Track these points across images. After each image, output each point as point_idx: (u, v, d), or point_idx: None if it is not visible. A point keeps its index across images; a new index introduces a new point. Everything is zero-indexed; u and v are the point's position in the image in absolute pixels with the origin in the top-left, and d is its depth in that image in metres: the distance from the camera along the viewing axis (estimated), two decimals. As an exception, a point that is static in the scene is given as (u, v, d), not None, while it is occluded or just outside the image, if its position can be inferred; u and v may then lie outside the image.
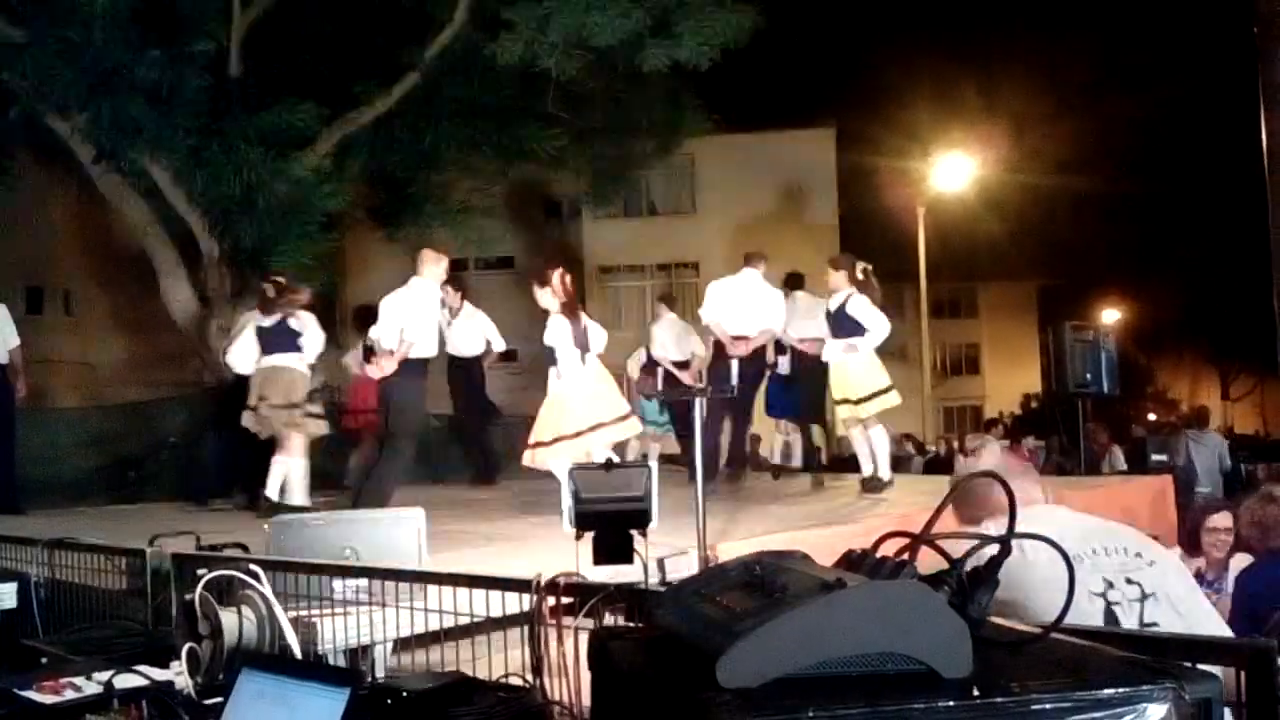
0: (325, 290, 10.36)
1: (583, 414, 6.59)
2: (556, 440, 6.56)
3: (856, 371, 7.43)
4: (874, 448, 7.64)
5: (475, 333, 9.19)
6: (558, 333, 6.66)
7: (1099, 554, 2.26)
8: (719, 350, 8.24)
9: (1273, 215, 6.51)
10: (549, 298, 6.74)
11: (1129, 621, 2.16)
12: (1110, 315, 35.17)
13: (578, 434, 6.54)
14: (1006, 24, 43.15)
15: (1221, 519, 4.94)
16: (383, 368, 6.92)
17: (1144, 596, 2.27)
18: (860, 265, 7.60)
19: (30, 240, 21.25)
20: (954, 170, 23.17)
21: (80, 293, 23.58)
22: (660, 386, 9.69)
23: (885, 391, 7.45)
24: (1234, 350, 42.26)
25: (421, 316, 7.07)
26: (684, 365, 9.61)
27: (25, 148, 12.52)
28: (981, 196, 26.30)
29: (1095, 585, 2.21)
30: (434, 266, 7.23)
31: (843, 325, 7.46)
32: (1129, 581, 2.28)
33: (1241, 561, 4.77)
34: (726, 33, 10.80)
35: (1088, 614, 2.12)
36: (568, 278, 6.88)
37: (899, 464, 17.72)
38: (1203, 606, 2.35)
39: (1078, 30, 48.54)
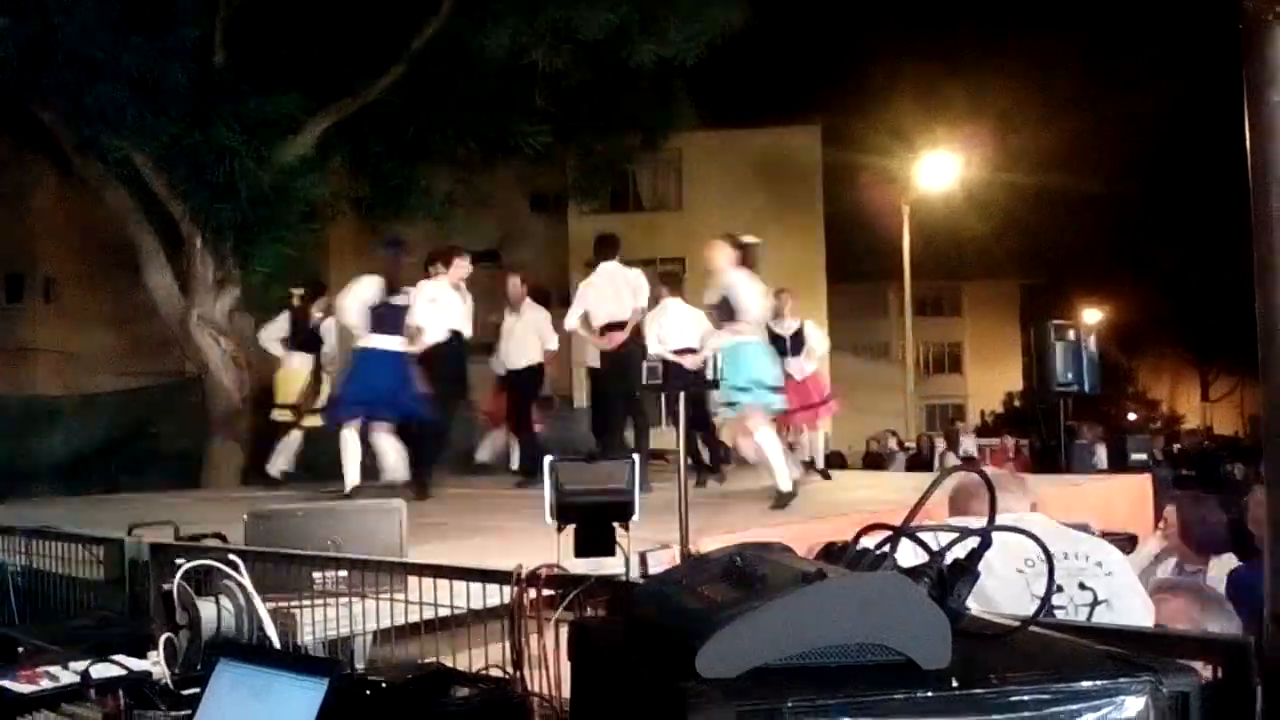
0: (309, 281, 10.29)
1: None
2: None
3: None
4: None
5: None
6: None
7: (1056, 558, 2.33)
8: None
9: (1254, 217, 6.53)
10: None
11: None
12: (1092, 315, 35.25)
13: None
14: (993, 23, 43.33)
15: (1169, 511, 5.06)
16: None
17: (1096, 602, 2.39)
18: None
19: (11, 228, 21.13)
20: (939, 169, 23.25)
21: (61, 281, 23.42)
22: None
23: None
24: (1214, 352, 42.64)
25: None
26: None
27: (6, 135, 12.42)
28: (966, 195, 26.42)
29: (1039, 588, 2.26)
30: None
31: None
32: (1082, 587, 2.39)
33: (1230, 563, 4.80)
34: (713, 28, 10.81)
35: (1023, 611, 2.17)
36: None
37: (882, 461, 17.77)
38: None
39: (1064, 31, 48.79)
